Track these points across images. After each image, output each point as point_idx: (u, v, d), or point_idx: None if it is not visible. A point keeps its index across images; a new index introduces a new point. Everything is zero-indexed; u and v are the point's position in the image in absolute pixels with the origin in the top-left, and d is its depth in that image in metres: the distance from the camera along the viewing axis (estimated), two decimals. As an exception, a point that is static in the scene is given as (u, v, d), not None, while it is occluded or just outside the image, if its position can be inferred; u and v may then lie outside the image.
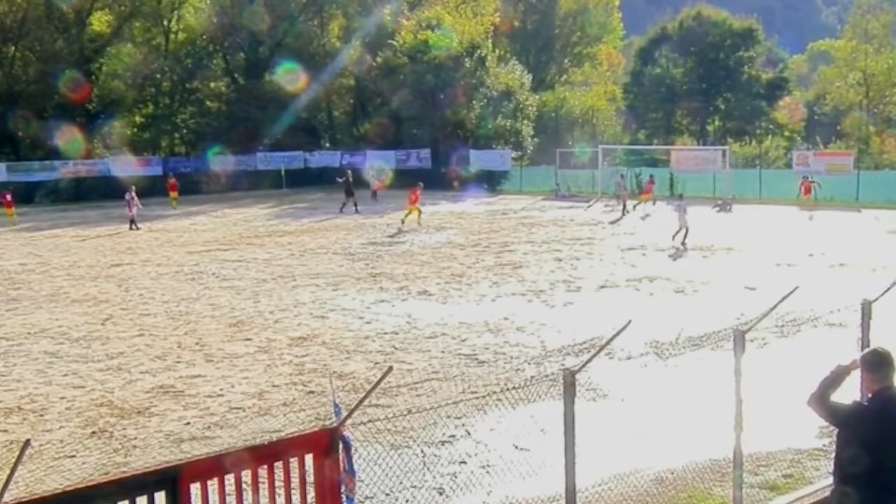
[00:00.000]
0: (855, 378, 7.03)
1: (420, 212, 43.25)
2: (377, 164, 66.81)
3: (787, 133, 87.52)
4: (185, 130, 79.27)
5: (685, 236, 34.69)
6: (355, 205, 49.89)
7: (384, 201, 52.47)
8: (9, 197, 50.82)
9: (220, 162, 71.57)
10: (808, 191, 46.88)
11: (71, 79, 68.01)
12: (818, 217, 43.57)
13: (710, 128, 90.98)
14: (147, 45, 76.09)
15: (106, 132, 71.96)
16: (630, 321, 8.31)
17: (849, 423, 6.71)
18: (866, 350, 6.87)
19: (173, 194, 56.45)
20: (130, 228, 44.38)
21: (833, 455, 6.94)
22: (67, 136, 65.60)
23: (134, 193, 46.12)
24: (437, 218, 46.64)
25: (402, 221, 42.29)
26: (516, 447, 12.25)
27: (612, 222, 42.74)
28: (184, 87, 78.52)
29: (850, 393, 7.21)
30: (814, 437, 12.60)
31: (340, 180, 52.39)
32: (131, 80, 74.12)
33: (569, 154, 67.24)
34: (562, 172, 63.63)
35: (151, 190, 59.00)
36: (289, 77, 73.27)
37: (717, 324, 13.00)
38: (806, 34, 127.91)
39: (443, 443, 12.82)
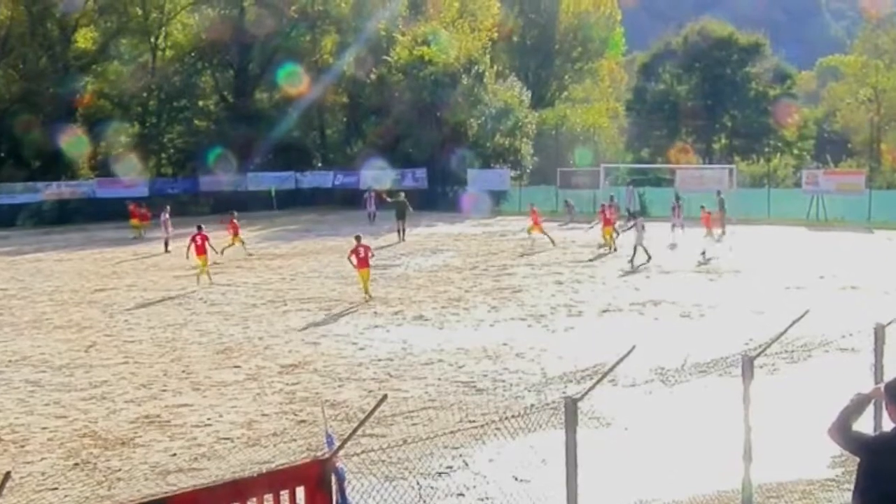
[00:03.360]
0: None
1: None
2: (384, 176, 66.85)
3: (795, 151, 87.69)
4: (172, 150, 79.34)
5: (636, 255, 35.41)
6: (402, 231, 46.78)
7: (380, 223, 52.44)
8: None
9: (210, 183, 71.69)
10: (708, 223, 42.61)
11: (56, 97, 68.16)
12: (831, 238, 43.50)
13: (716, 146, 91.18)
14: (134, 62, 76.24)
15: (91, 153, 72.03)
16: (634, 347, 8.28)
17: (877, 453, 6.65)
18: (892, 378, 6.82)
19: (134, 221, 54.08)
20: (166, 251, 44.13)
21: (853, 486, 6.88)
22: (53, 156, 65.72)
23: (168, 214, 46.20)
24: (434, 240, 46.60)
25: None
26: (516, 479, 12.19)
27: (598, 252, 42.22)
28: (171, 106, 78.67)
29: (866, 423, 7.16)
30: (826, 467, 12.55)
31: (390, 200, 50.33)
32: (118, 98, 74.33)
33: (570, 173, 67.25)
34: (562, 192, 63.63)
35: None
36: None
37: (725, 349, 12.99)
38: (814, 49, 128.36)
39: (440, 474, 12.75)
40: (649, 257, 35.66)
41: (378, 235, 46.72)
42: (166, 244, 44.80)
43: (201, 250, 33.75)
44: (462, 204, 64.59)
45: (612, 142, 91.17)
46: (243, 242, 42.42)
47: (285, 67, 74.59)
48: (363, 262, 28.80)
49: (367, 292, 28.88)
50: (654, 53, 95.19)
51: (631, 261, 35.24)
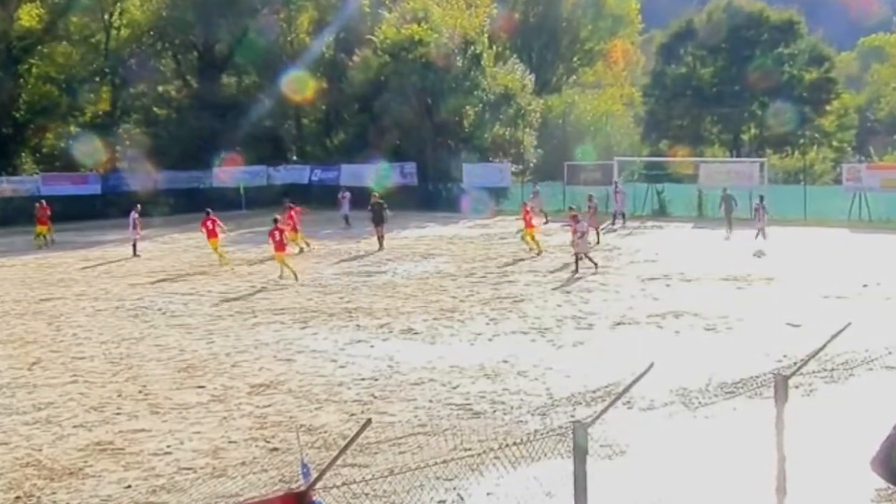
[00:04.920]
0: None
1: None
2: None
3: (835, 143, 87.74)
4: (128, 142, 78.99)
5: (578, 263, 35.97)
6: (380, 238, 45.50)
7: (359, 225, 52.41)
8: None
9: (169, 179, 71.58)
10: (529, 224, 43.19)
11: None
12: (875, 241, 43.49)
13: (744, 137, 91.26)
14: (85, 42, 76.05)
15: (35, 145, 71.83)
16: (652, 364, 8.26)
17: None
18: None
19: (41, 227, 51.83)
20: (135, 255, 44.22)
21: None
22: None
23: (138, 213, 46.16)
24: (425, 243, 46.61)
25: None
26: (518, 514, 12.17)
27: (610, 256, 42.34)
28: (127, 92, 78.45)
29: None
30: (870, 500, 12.52)
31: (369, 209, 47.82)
32: (66, 83, 74.08)
33: (579, 168, 67.17)
34: (570, 189, 63.59)
35: (88, 211, 58.74)
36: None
37: (755, 367, 12.97)
38: (856, 27, 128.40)
39: (431, 509, 12.72)
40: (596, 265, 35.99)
41: (360, 239, 46.74)
42: (134, 247, 44.72)
43: (213, 234, 40.75)
44: (457, 203, 64.58)
45: (627, 132, 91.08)
46: (307, 243, 44.66)
47: (255, 48, 74.57)
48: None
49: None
50: (674, 32, 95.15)
51: (575, 271, 35.45)
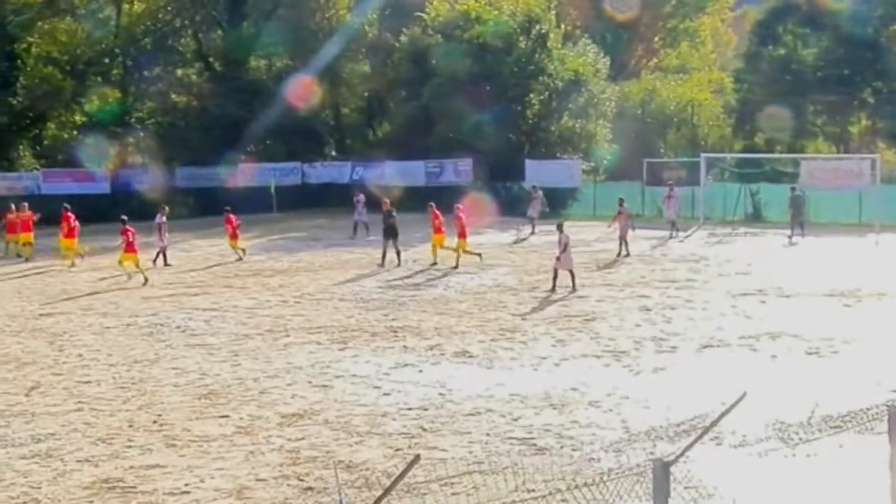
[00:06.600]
0: None
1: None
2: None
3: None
4: (141, 133, 79.26)
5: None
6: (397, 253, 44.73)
7: (408, 230, 52.45)
8: None
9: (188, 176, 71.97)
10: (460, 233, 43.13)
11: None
12: None
13: (853, 129, 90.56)
14: (92, 18, 76.33)
15: (34, 136, 72.20)
16: (745, 394, 8.24)
17: None
18: None
19: (24, 235, 49.55)
20: (155, 262, 44.24)
21: None
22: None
23: (165, 217, 46.25)
24: (482, 252, 46.61)
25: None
26: (589, 566, 12.14)
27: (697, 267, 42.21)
28: (141, 76, 78.77)
29: None
30: None
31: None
32: (70, 65, 74.37)
33: (660, 166, 66.92)
34: (650, 190, 63.37)
35: (95, 213, 58.79)
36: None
37: (866, 398, 12.89)
38: None
39: (488, 560, 12.75)
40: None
41: (407, 246, 46.86)
42: (163, 256, 44.95)
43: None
44: (519, 205, 64.53)
45: (716, 124, 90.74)
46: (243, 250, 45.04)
47: (287, 26, 74.76)
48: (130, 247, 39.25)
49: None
50: (771, 8, 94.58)
51: (553, 288, 35.33)
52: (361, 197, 56.58)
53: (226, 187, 71.60)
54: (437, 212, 43.02)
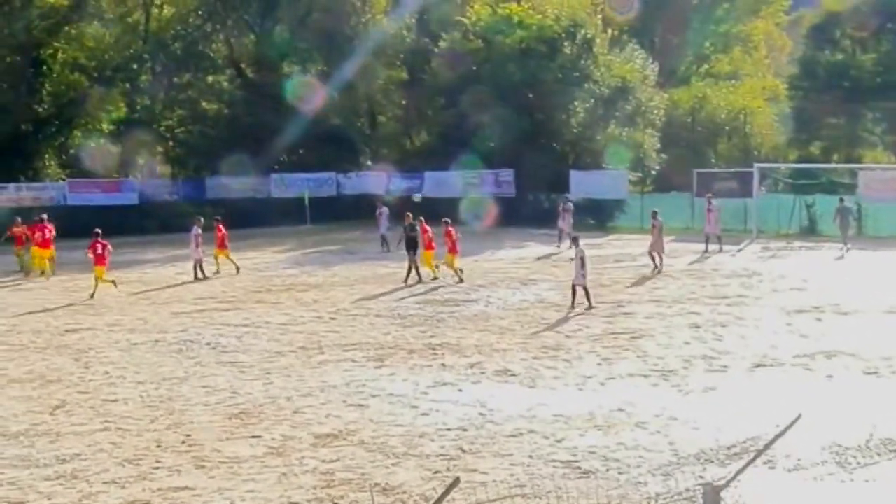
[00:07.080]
0: None
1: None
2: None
3: None
4: (171, 142, 79.54)
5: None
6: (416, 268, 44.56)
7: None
8: None
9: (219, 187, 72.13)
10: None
11: (13, 69, 68.67)
12: None
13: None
14: (120, 23, 76.75)
15: (60, 145, 72.45)
16: (799, 416, 8.23)
17: None
18: None
19: (45, 251, 47.66)
20: (196, 277, 44.86)
21: None
22: (9, 149, 66.12)
23: (200, 228, 46.12)
24: (524, 266, 46.57)
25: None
26: None
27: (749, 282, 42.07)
28: (170, 82, 79.09)
29: None
30: None
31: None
32: (97, 71, 74.65)
33: (711, 176, 66.68)
34: (700, 202, 63.24)
35: (122, 226, 58.88)
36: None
37: (926, 420, 12.84)
38: None
39: (530, 588, 12.75)
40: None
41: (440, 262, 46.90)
42: (200, 268, 45.36)
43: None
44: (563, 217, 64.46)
45: (770, 133, 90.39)
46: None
47: (322, 31, 74.91)
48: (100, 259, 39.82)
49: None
50: (828, 11, 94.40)
51: (572, 305, 35.32)
52: (385, 210, 56.41)
53: (257, 197, 71.87)
54: (452, 229, 42.92)
